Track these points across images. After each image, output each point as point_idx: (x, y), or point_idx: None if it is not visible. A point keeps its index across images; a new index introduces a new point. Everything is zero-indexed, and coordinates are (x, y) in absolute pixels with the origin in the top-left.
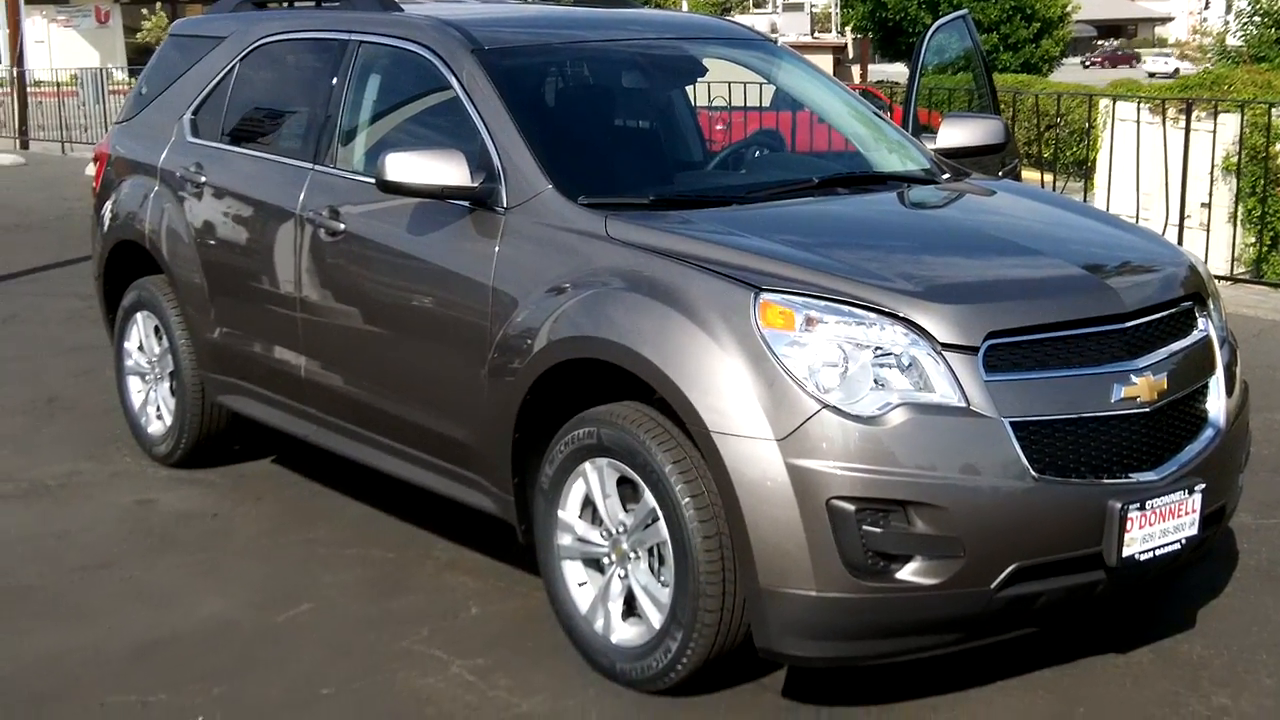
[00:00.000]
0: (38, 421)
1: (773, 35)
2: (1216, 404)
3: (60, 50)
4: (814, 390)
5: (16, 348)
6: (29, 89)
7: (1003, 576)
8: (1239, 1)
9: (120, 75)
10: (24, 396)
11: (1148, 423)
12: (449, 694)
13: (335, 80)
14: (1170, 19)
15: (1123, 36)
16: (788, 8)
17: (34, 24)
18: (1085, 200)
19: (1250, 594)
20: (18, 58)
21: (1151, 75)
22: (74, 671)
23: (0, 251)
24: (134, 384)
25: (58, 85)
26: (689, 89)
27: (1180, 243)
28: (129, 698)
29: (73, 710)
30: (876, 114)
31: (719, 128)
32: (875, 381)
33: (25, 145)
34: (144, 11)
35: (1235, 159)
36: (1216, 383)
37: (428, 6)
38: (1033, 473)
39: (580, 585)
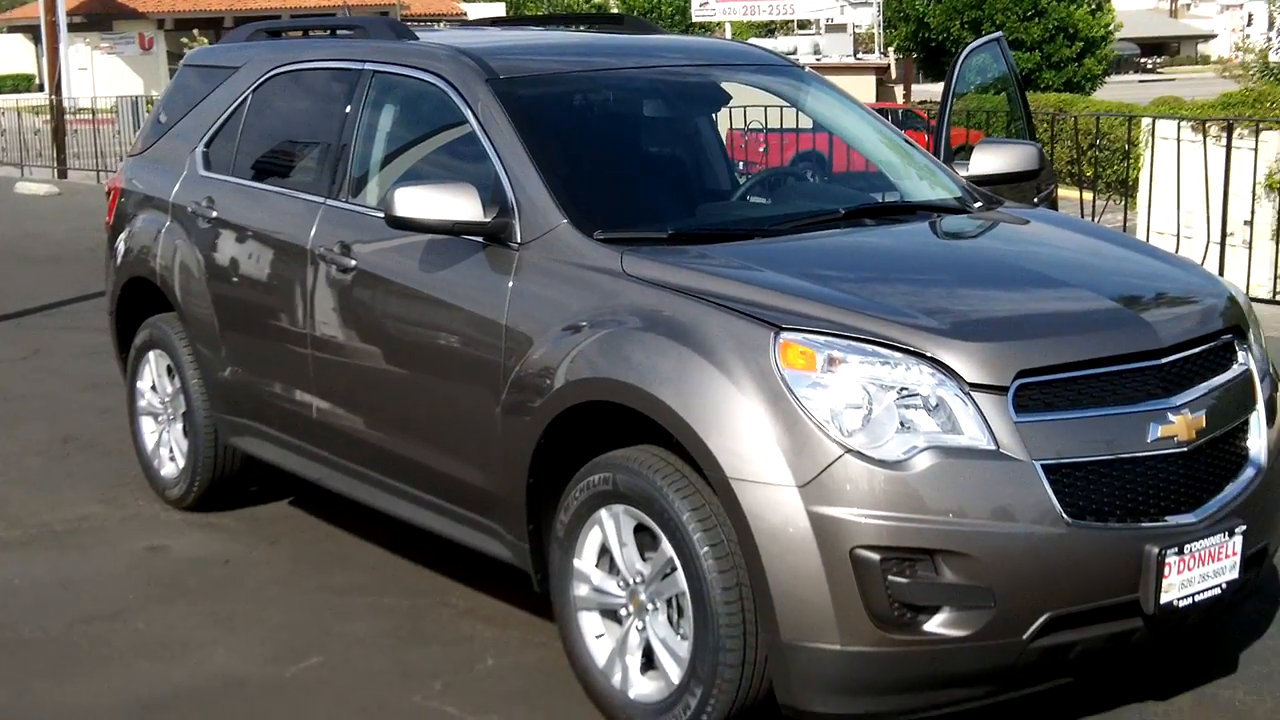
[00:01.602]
0: (52, 462)
1: (816, 57)
2: (1257, 441)
3: (104, 77)
4: (836, 434)
5: (37, 384)
6: (69, 116)
7: (1036, 626)
8: None
9: None
10: (41, 435)
11: (1186, 463)
12: None
13: (348, 111)
14: (1213, 36)
15: (1165, 54)
16: (831, 29)
17: (78, 51)
18: (1127, 219)
19: None
20: (56, 85)
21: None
22: None
23: (29, 284)
24: (147, 425)
25: (93, 113)
26: (716, 114)
27: (1222, 262)
28: None
29: None
30: (907, 140)
31: (760, 149)
32: (900, 424)
33: (64, 175)
34: (183, 40)
35: (1278, 177)
36: (1258, 419)
37: (444, 35)
38: (1066, 518)
39: (597, 637)
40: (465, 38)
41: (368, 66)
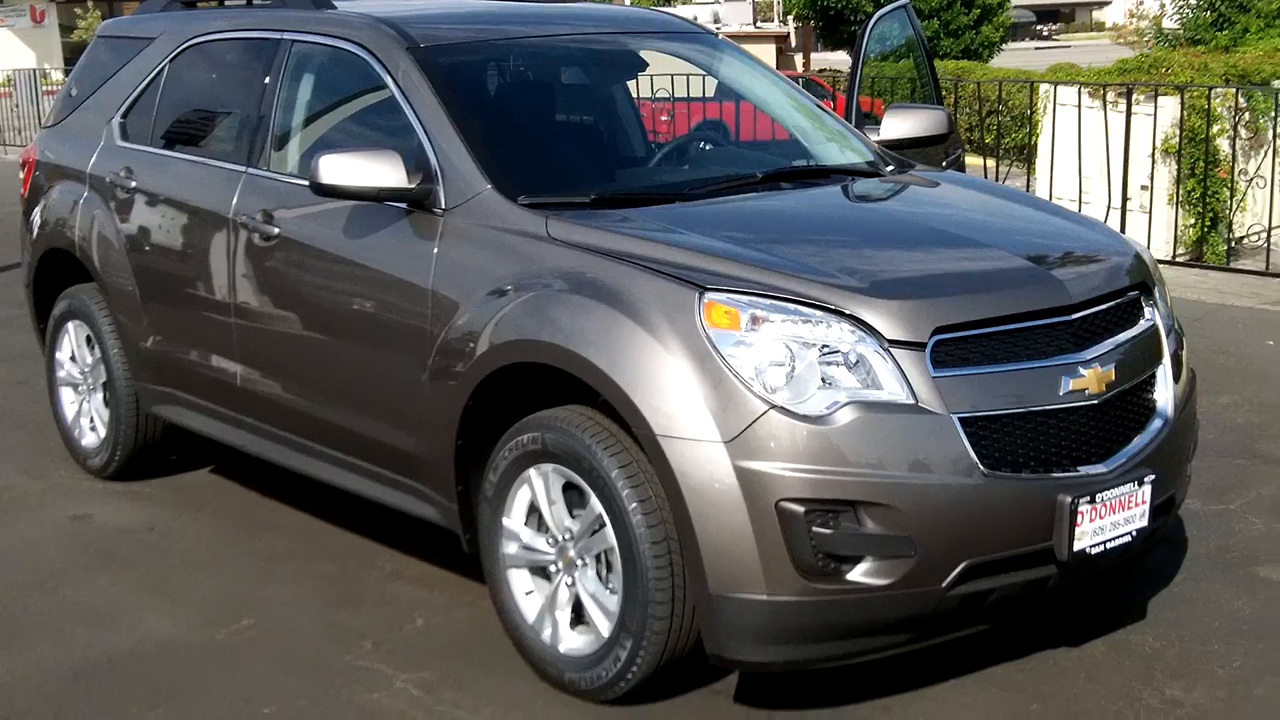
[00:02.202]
0: None
1: (716, 26)
2: (1164, 394)
3: None
4: (761, 390)
5: None
6: None
7: (954, 574)
8: None
9: (56, 75)
10: None
11: (1096, 415)
12: (395, 709)
13: (268, 81)
14: (1108, 3)
15: (1060, 20)
16: None
17: None
18: (1028, 185)
19: (1201, 582)
20: None
21: None
22: (6, 698)
23: None
24: (67, 395)
25: None
26: (630, 82)
27: (1123, 226)
28: None
29: None
30: (819, 106)
31: (664, 119)
32: (822, 380)
33: None
34: (77, 11)
35: (1175, 142)
36: (1164, 372)
37: (362, 4)
38: (982, 469)
39: (527, 594)
40: (383, 7)
41: (286, 36)
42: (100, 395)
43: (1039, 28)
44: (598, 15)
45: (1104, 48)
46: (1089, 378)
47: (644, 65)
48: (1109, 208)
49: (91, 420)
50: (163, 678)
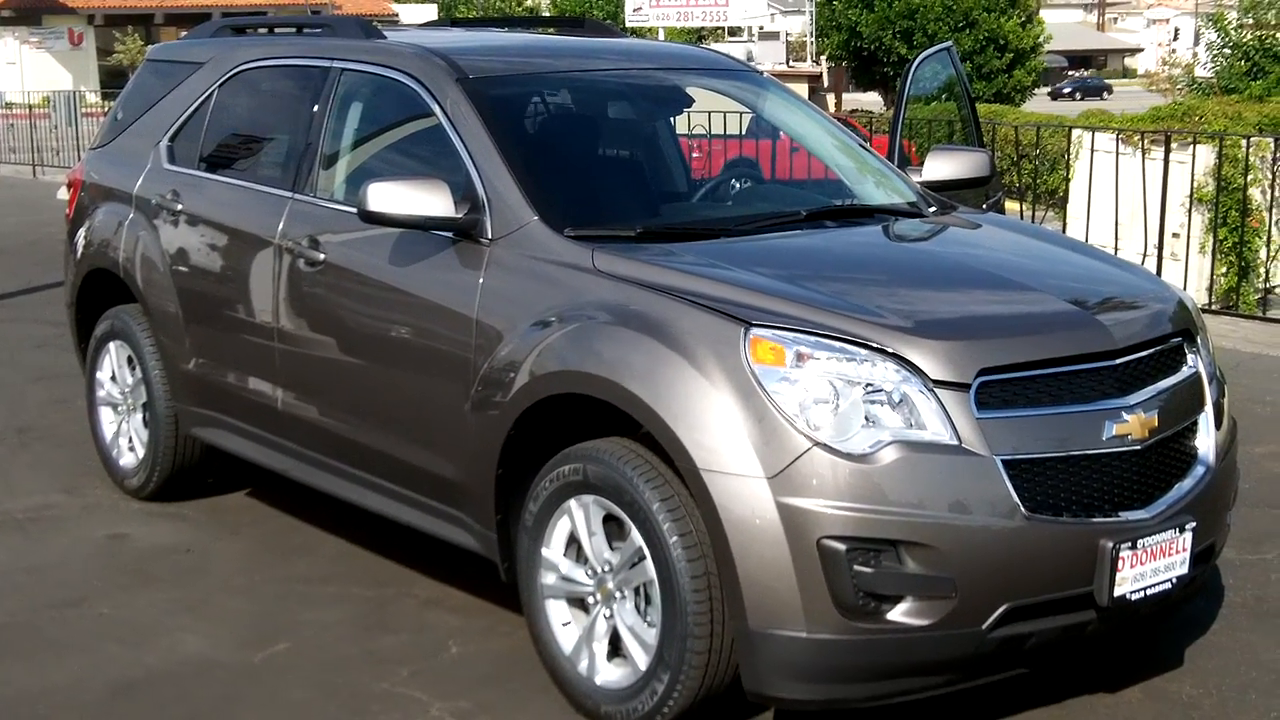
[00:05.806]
0: (8, 452)
1: (751, 63)
2: (1206, 441)
3: (33, 72)
4: (804, 428)
5: None
6: (1, 110)
7: (994, 617)
8: (1208, 34)
9: (93, 98)
10: None
11: (1139, 460)
12: None
13: (316, 108)
14: (1140, 50)
15: (1093, 67)
16: (763, 36)
17: (6, 45)
18: (1063, 230)
19: (1238, 631)
20: None
21: None
22: (47, 714)
23: None
24: (106, 415)
25: (29, 108)
26: (673, 118)
27: (1158, 273)
28: None
29: None
30: (863, 146)
31: (695, 155)
32: (866, 419)
33: None
34: (116, 34)
35: (1208, 190)
36: (1206, 419)
37: (411, 34)
38: (1024, 511)
39: (564, 625)
40: (432, 37)
41: (336, 64)
42: (140, 416)
43: (1070, 73)
44: (645, 51)
45: (1136, 95)
46: (1132, 423)
47: (690, 101)
48: (1144, 255)
49: (130, 440)
50: (200, 698)
